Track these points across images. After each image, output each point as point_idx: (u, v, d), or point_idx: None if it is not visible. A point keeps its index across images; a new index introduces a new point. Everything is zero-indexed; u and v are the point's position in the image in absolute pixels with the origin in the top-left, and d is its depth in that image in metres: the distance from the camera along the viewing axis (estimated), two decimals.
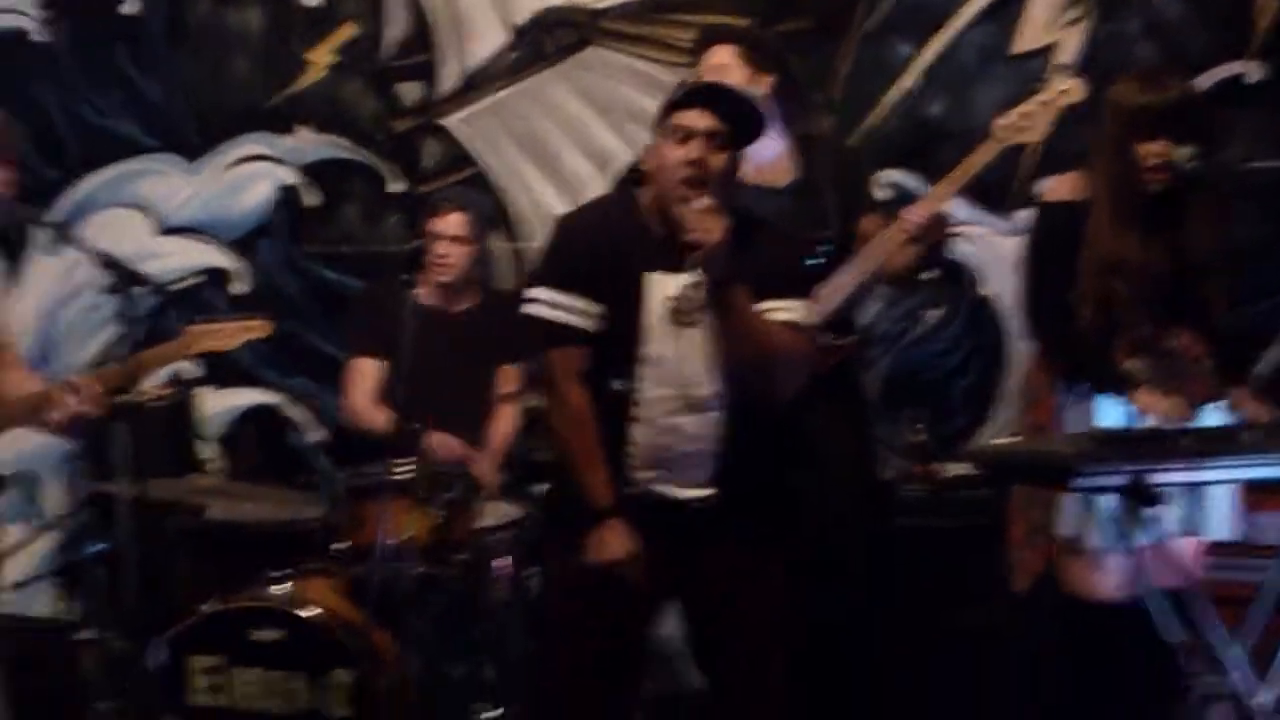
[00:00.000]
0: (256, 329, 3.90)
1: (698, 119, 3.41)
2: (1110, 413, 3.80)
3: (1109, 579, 3.77)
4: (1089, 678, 3.86)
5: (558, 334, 3.52)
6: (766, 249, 3.50)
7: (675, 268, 3.44)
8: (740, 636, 3.56)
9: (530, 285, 3.64)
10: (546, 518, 3.87)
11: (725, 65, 4.32)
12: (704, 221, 3.31)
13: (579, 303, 3.50)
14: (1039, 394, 4.07)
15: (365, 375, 5.07)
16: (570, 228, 3.69)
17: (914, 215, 4.23)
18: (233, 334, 3.89)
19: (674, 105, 3.45)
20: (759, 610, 3.56)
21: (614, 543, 3.43)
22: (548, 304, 3.53)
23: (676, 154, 3.42)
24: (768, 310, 3.45)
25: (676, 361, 3.46)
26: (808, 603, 4.09)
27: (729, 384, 3.48)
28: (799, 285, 3.59)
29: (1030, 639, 4.11)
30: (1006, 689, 4.36)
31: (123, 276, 3.38)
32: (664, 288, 3.47)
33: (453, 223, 5.00)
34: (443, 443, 4.76)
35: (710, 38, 4.47)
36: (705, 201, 3.34)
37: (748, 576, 3.54)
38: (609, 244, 3.54)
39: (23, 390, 3.76)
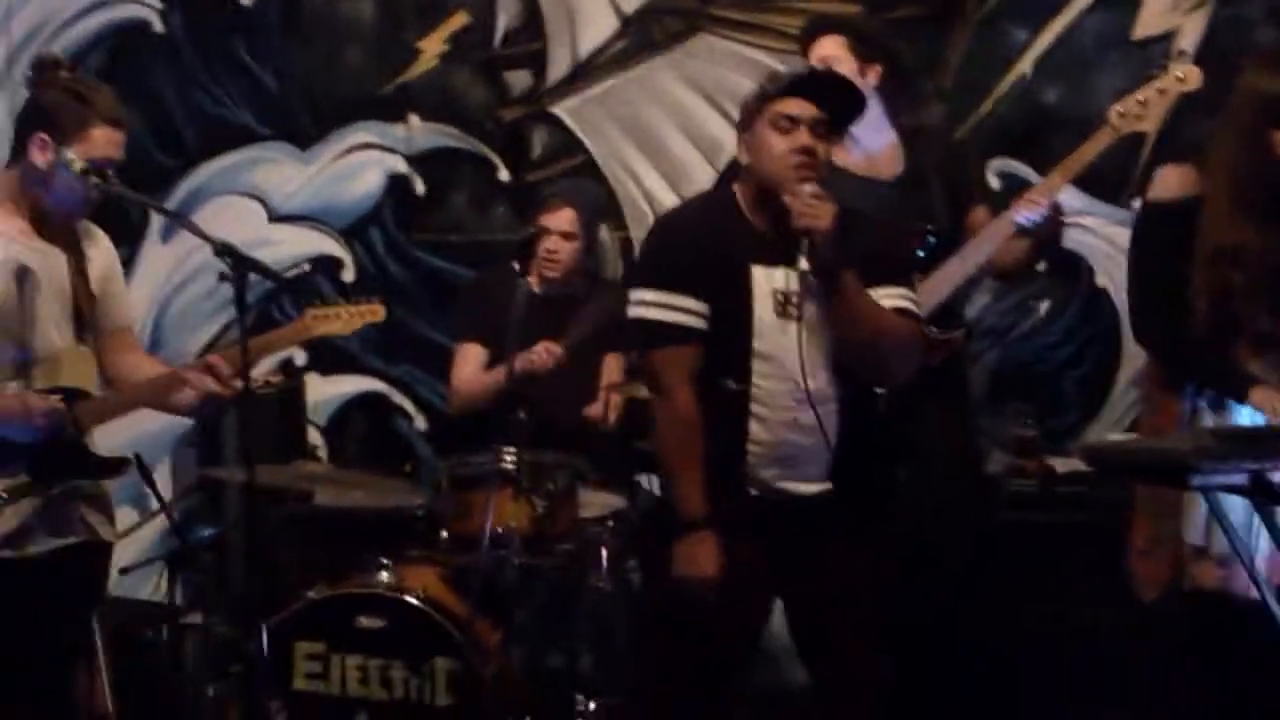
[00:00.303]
0: (372, 313, 3.90)
1: (803, 107, 3.38)
2: (1245, 419, 3.69)
3: (1241, 578, 3.67)
4: (1222, 676, 3.76)
5: (664, 334, 3.48)
6: (869, 237, 3.45)
7: (780, 260, 3.41)
8: (849, 632, 3.53)
9: (632, 288, 3.61)
10: (658, 509, 3.83)
11: (833, 56, 4.28)
12: (813, 208, 3.28)
13: (685, 301, 3.46)
14: (1159, 399, 3.96)
15: (471, 358, 5.08)
16: (669, 226, 3.69)
17: (1025, 206, 4.15)
18: (349, 318, 3.88)
19: (774, 94, 3.41)
20: (868, 606, 3.54)
21: (703, 558, 3.40)
22: (652, 304, 3.49)
23: (783, 143, 3.38)
24: (876, 297, 3.42)
25: (789, 355, 3.41)
26: (909, 597, 4.06)
27: (842, 374, 3.45)
28: (904, 273, 3.55)
29: (1161, 643, 4.00)
30: (1116, 687, 4.27)
31: (240, 264, 3.39)
32: (771, 281, 3.44)
33: (563, 219, 4.98)
34: (539, 353, 4.75)
35: (817, 27, 4.42)
36: (813, 188, 3.30)
37: (860, 573, 3.51)
38: (710, 240, 3.50)
39: (146, 372, 3.79)
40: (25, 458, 3.57)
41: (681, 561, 3.41)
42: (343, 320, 3.92)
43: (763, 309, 3.43)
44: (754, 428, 3.44)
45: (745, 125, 3.48)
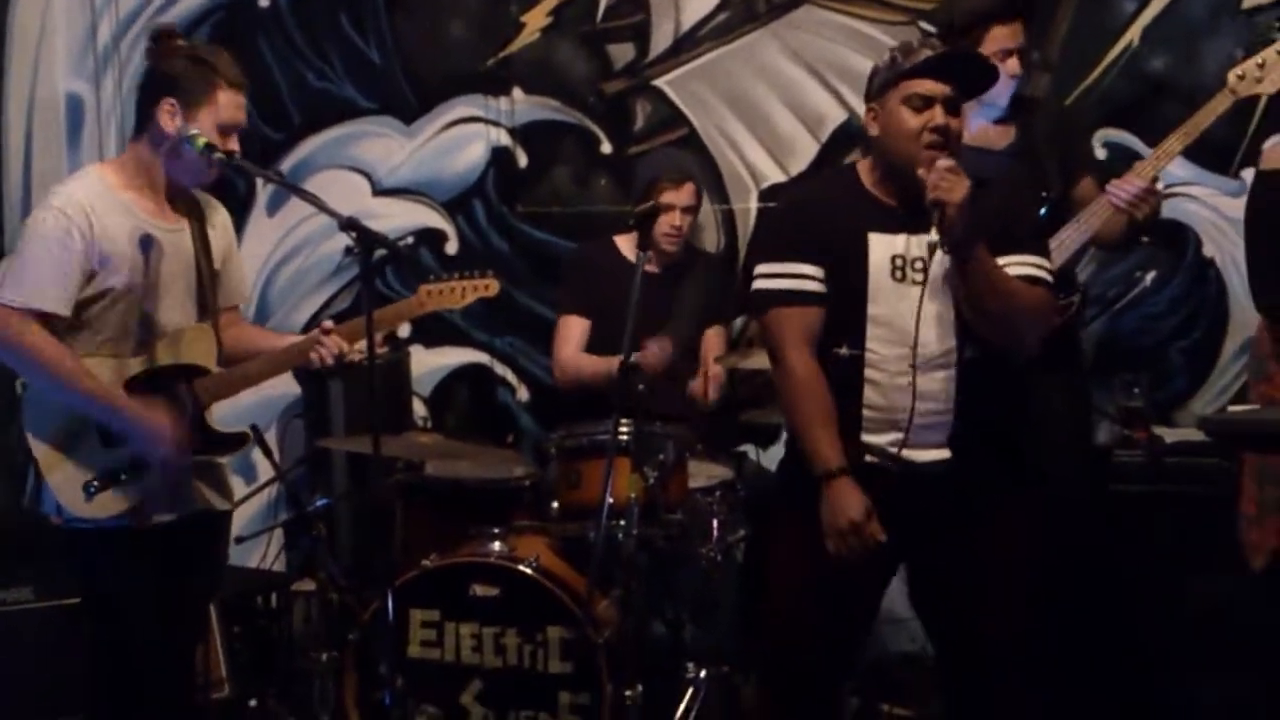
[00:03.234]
0: (485, 288, 3.94)
1: (937, 86, 3.37)
2: None
3: None
4: None
5: (777, 299, 3.51)
6: (997, 207, 3.44)
7: (900, 228, 3.42)
8: (978, 608, 3.49)
9: (749, 265, 3.63)
10: (782, 478, 3.86)
11: (1012, 48, 4.29)
12: (948, 181, 3.27)
13: (798, 268, 3.49)
14: (1269, 367, 3.95)
15: (574, 332, 5.11)
16: (786, 201, 3.72)
17: (1121, 191, 4.14)
18: (464, 293, 3.92)
19: (909, 73, 3.39)
20: (1002, 582, 3.48)
21: (850, 503, 3.38)
22: (768, 275, 3.53)
23: (916, 121, 3.38)
24: (1005, 265, 3.40)
25: (904, 319, 3.41)
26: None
27: (970, 342, 3.43)
28: (1033, 240, 3.52)
29: (1271, 611, 4.00)
30: (1225, 656, 4.26)
31: (365, 238, 3.42)
32: (889, 247, 3.44)
33: (686, 193, 5.00)
34: (652, 352, 4.78)
35: (1005, 11, 4.36)
36: (948, 162, 3.31)
37: (990, 546, 3.46)
38: (826, 210, 3.53)
39: (260, 345, 3.88)
40: None
41: (831, 514, 3.39)
42: (457, 294, 3.95)
43: (879, 274, 3.43)
44: (869, 392, 3.45)
45: (874, 97, 3.47)
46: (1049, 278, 3.48)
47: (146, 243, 3.61)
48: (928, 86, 3.38)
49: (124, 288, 3.59)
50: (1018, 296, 3.39)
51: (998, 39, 4.28)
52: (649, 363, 4.71)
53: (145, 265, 3.61)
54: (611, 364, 4.49)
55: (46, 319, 3.51)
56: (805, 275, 3.48)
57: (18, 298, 3.50)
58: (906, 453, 3.45)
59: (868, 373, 3.45)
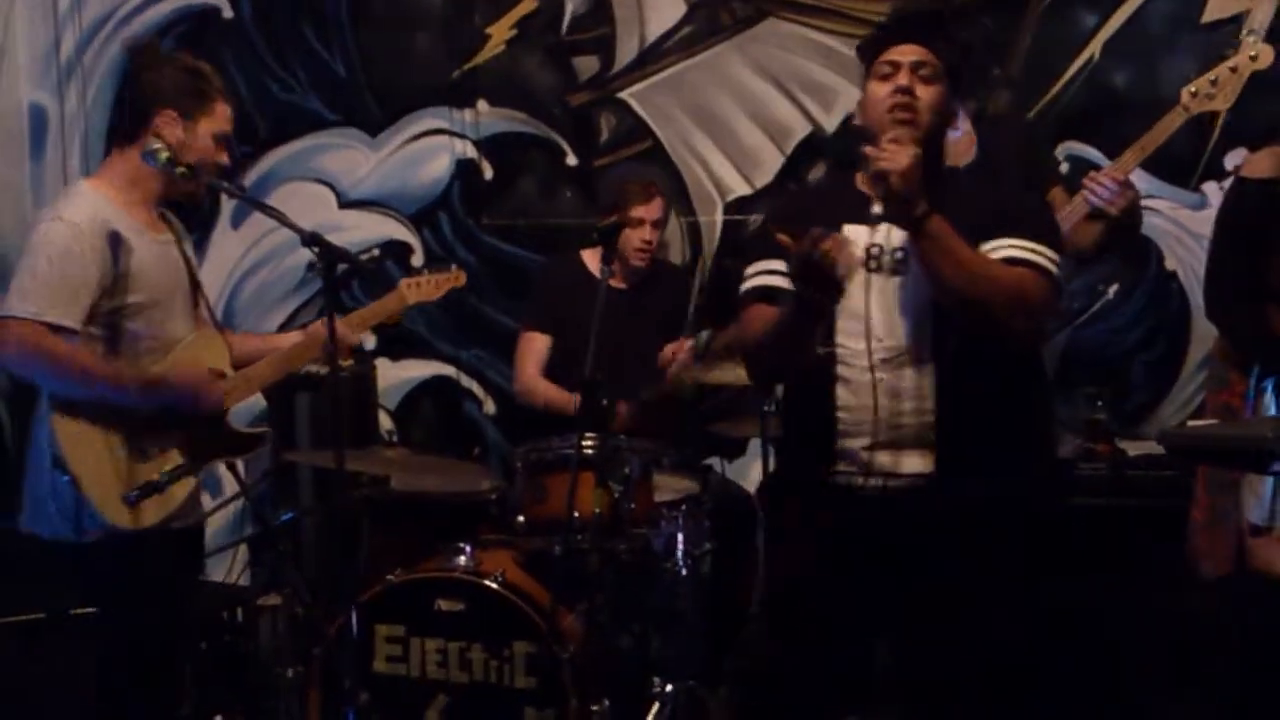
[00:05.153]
0: (456, 279, 4.14)
1: (902, 52, 3.25)
2: None
3: None
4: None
5: (749, 296, 3.40)
6: (985, 192, 3.34)
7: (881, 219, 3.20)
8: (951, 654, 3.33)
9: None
10: (769, 501, 3.82)
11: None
12: (889, 150, 3.10)
13: (771, 264, 3.33)
14: (1229, 377, 3.97)
15: (535, 349, 5.12)
16: (776, 204, 3.61)
17: (1097, 186, 4.12)
18: (437, 285, 4.07)
19: (876, 45, 3.29)
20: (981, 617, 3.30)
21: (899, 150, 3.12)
22: (746, 278, 3.42)
23: (882, 89, 3.24)
24: (988, 250, 3.21)
25: (873, 311, 3.24)
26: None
27: (954, 335, 3.22)
28: (1024, 225, 3.25)
29: (1225, 623, 4.02)
30: (1185, 669, 4.28)
31: (328, 253, 3.43)
32: (864, 237, 3.24)
33: (656, 208, 4.99)
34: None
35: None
36: (894, 132, 3.16)
37: (974, 582, 3.27)
38: (806, 207, 3.46)
39: (255, 343, 4.03)
40: (176, 436, 3.67)
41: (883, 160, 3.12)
42: (433, 286, 4.17)
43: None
44: (840, 391, 3.26)
45: (861, 85, 3.35)
46: (1039, 260, 3.22)
47: (150, 254, 3.65)
48: (894, 53, 3.25)
49: (138, 301, 3.61)
50: (989, 277, 3.15)
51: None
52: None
53: (113, 258, 3.61)
54: (569, 401, 4.71)
55: (58, 332, 3.51)
56: (772, 270, 3.33)
57: (29, 311, 3.50)
58: (878, 458, 3.26)
59: (838, 369, 3.26)
